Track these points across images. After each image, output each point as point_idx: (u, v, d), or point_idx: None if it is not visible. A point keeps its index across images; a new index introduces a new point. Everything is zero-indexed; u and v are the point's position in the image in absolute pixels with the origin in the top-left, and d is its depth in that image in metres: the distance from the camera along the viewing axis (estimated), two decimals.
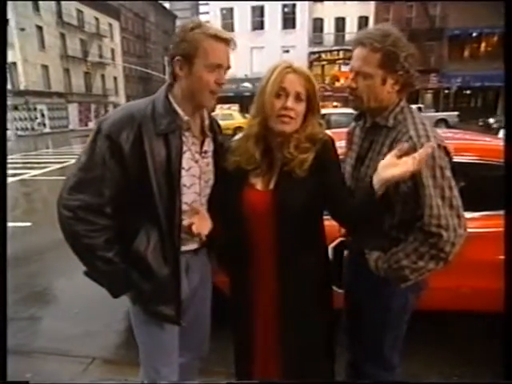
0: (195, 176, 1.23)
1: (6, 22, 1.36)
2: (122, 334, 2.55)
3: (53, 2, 30.33)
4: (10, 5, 27.51)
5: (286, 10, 27.05)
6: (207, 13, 32.22)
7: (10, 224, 5.20)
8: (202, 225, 1.20)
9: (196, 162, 1.23)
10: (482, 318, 2.25)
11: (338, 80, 28.11)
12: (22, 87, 27.51)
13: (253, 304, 1.35)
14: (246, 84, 27.45)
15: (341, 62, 27.41)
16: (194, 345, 1.46)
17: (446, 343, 2.33)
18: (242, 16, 27.27)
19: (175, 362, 1.35)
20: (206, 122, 1.28)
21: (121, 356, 2.32)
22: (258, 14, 27.44)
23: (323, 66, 28.17)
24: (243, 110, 26.13)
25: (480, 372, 2.08)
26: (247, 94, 27.42)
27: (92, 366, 2.11)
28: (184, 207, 1.20)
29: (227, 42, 1.14)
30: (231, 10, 27.47)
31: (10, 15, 26.68)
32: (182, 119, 1.17)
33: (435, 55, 26.80)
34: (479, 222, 2.04)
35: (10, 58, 26.16)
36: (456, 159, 2.07)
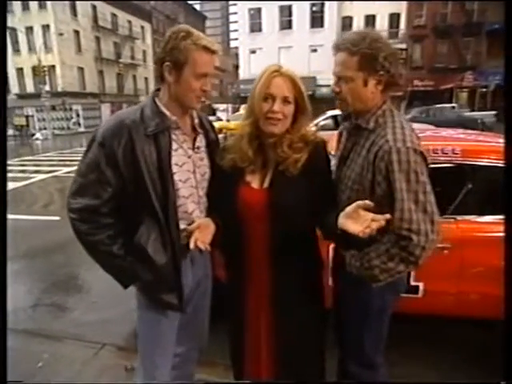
0: (189, 171, 1.31)
1: (5, 22, 1.46)
2: (133, 323, 2.67)
3: (89, 7, 31.74)
4: (49, 11, 29.11)
5: (314, 8, 26.75)
6: (236, 13, 32.45)
7: (43, 218, 5.58)
8: (204, 235, 1.24)
9: (189, 157, 1.31)
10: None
11: None
12: (59, 89, 29.05)
13: (247, 298, 1.40)
14: None
15: None
16: (193, 335, 1.54)
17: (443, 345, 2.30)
18: (270, 16, 27.27)
19: (170, 354, 1.43)
20: (196, 121, 1.36)
21: (131, 343, 2.45)
22: (286, 13, 27.33)
23: None
24: None
25: (475, 373, 2.04)
26: None
27: (102, 351, 2.27)
28: (182, 201, 1.28)
29: (214, 52, 1.22)
30: (259, 10, 27.54)
31: (51, 21, 28.22)
32: (170, 119, 1.25)
33: (471, 52, 25.58)
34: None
35: (49, 62, 27.72)
36: (469, 162, 2.07)
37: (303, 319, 1.40)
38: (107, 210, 1.23)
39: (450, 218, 2.04)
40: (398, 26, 26.75)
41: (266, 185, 1.29)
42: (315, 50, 27.19)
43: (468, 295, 2.04)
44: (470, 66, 25.21)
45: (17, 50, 31.17)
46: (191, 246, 1.19)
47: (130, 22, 37.94)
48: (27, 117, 27.05)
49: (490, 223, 2.01)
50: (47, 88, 25.71)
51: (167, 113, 1.26)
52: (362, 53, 1.19)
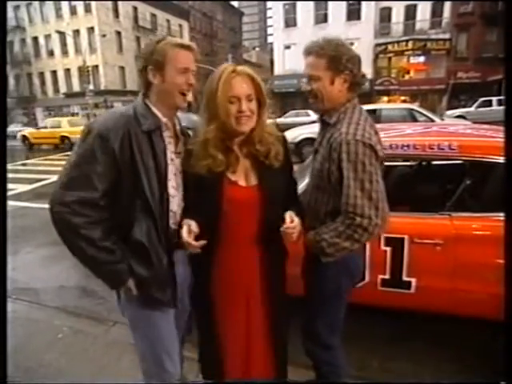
0: (172, 172, 1.35)
1: (5, 22, 1.50)
2: None
3: (130, 9, 33.15)
4: (94, 14, 30.77)
5: (350, 1, 25.99)
6: (270, 8, 32.31)
7: None
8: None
9: (172, 160, 1.35)
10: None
11: (407, 72, 26.37)
12: (102, 87, 30.74)
13: (232, 290, 1.44)
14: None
15: (410, 52, 25.56)
16: (179, 324, 1.53)
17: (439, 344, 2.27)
18: (305, 10, 26.88)
19: (177, 354, 1.44)
20: (178, 127, 1.42)
21: None
22: (322, 7, 26.77)
23: (390, 58, 26.54)
24: (305, 105, 25.94)
25: (471, 374, 2.02)
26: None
27: (114, 328, 2.50)
28: (170, 200, 1.33)
29: (190, 48, 1.29)
30: (294, 4, 27.22)
31: (95, 24, 29.84)
32: (161, 120, 1.31)
33: None
34: None
35: (93, 62, 29.40)
36: (466, 158, 2.03)
37: (284, 305, 1.50)
38: (102, 203, 1.21)
39: (444, 215, 2.02)
40: (441, 15, 25.28)
41: (254, 182, 1.34)
42: (351, 44, 26.17)
43: (462, 293, 2.01)
44: None
45: (65, 53, 33.40)
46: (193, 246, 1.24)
47: (168, 21, 39.13)
48: (73, 114, 28.98)
49: (486, 220, 1.97)
50: (91, 87, 27.27)
51: (159, 114, 1.31)
52: (329, 55, 1.33)
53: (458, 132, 2.34)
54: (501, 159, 1.93)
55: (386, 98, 26.58)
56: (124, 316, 1.43)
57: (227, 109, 1.24)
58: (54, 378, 2.08)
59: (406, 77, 26.24)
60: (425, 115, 8.85)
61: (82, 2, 31.15)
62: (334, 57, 1.33)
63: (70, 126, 16.40)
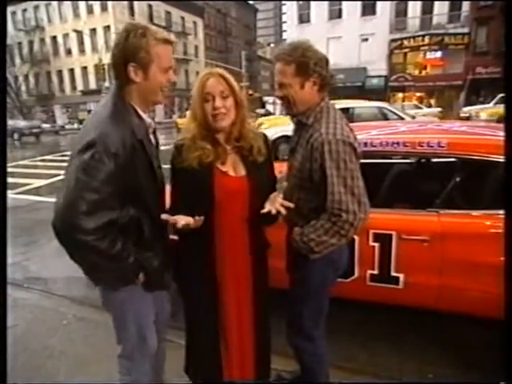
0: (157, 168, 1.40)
1: (5, 21, 1.52)
2: None
3: (146, 7, 33.56)
4: (110, 13, 31.32)
5: None
6: (284, 4, 32.13)
7: None
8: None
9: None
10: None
11: (424, 68, 25.81)
12: None
13: (223, 279, 1.50)
14: None
15: (426, 48, 25.00)
16: (158, 308, 1.59)
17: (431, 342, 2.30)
18: (319, 5, 26.59)
19: (154, 331, 1.52)
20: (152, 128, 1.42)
21: None
22: (336, 2, 26.41)
23: (405, 53, 26.02)
24: None
25: (460, 373, 2.04)
26: None
27: None
28: None
29: (172, 43, 1.29)
30: (308, 0, 26.96)
31: (111, 22, 30.32)
32: (146, 121, 1.33)
33: None
34: None
35: (109, 60, 29.89)
36: (455, 155, 2.05)
37: (267, 296, 1.59)
38: (120, 219, 1.22)
39: (432, 212, 2.04)
40: (459, 9, 24.59)
41: (242, 173, 1.43)
42: (366, 40, 26.07)
43: (449, 289, 2.03)
44: None
45: (82, 51, 34.16)
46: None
47: (183, 18, 39.50)
48: (89, 111, 29.55)
49: (474, 217, 1.98)
50: (107, 84, 27.81)
51: (144, 116, 1.32)
52: (297, 61, 1.37)
53: (452, 130, 2.35)
54: (490, 157, 1.94)
55: (400, 95, 26.12)
56: (104, 302, 1.45)
57: (203, 107, 1.35)
58: (58, 359, 2.22)
59: (423, 73, 25.69)
60: (395, 113, 8.92)
61: (98, 2, 31.76)
62: (301, 62, 1.36)
63: None
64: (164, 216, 1.31)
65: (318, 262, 1.44)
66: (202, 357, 1.59)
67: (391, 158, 3.02)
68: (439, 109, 20.10)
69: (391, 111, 8.97)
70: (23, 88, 35.90)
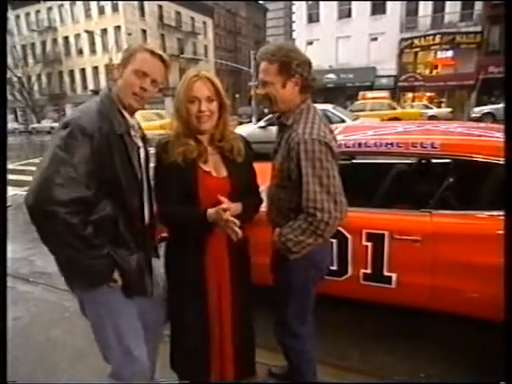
0: (144, 171, 1.45)
1: (5, 21, 1.53)
2: None
3: (156, 7, 33.88)
4: (121, 13, 31.68)
5: None
6: (294, 3, 32.02)
7: None
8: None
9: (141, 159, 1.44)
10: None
11: (435, 68, 25.49)
12: None
13: (206, 276, 1.53)
14: (331, 75, 26.72)
15: (437, 47, 24.67)
16: (151, 324, 1.57)
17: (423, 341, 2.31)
18: (328, 5, 26.46)
19: (143, 343, 1.45)
20: (139, 133, 1.47)
21: None
22: (346, 1, 26.23)
23: (416, 53, 25.73)
24: (328, 102, 25.49)
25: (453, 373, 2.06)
26: (331, 85, 26.81)
27: None
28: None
29: (160, 58, 1.34)
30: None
31: (122, 22, 30.68)
32: (129, 122, 1.37)
33: None
34: None
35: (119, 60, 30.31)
36: (448, 156, 2.06)
37: (248, 292, 1.64)
38: (94, 200, 1.25)
39: (425, 212, 2.06)
40: (472, 7, 24.20)
41: (224, 173, 1.48)
42: (375, 39, 25.87)
43: (442, 290, 2.04)
44: None
45: (93, 51, 34.61)
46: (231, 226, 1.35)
47: (192, 18, 39.69)
48: None
49: (466, 218, 1.99)
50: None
51: (127, 116, 1.37)
52: (280, 61, 1.40)
53: (447, 130, 2.35)
54: (485, 158, 1.94)
55: (410, 95, 25.84)
56: (84, 311, 1.43)
57: (188, 109, 1.39)
58: (59, 350, 2.30)
59: (433, 72, 25.37)
60: (337, 116, 9.03)
61: (109, 2, 32.15)
62: (284, 62, 1.39)
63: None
64: (223, 199, 1.37)
65: (299, 262, 1.46)
66: (187, 353, 1.60)
67: (389, 159, 3.03)
68: (450, 109, 19.86)
69: (334, 114, 9.11)
70: (36, 87, 36.53)
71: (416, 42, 25.14)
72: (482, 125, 2.67)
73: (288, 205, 1.47)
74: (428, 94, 25.53)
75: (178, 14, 37.57)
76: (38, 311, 2.78)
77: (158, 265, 1.62)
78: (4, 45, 1.55)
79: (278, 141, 1.54)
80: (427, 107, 20.06)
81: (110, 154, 1.26)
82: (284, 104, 1.47)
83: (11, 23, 37.93)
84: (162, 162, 1.45)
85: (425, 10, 24.97)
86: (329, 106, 9.80)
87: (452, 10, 24.42)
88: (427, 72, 25.52)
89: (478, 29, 23.78)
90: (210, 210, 1.39)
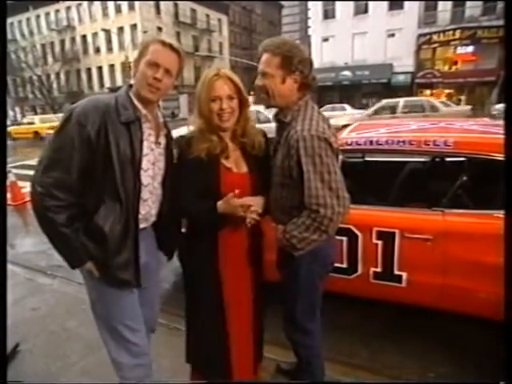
0: (150, 162, 1.43)
1: (5, 22, 1.54)
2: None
3: (171, 5, 34.14)
4: (137, 11, 32.03)
5: None
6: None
7: None
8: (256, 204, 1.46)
9: (152, 150, 1.43)
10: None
11: (454, 64, 24.81)
12: None
13: (225, 273, 1.56)
14: (346, 72, 26.33)
15: (457, 42, 23.98)
16: (144, 319, 1.57)
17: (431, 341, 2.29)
18: (344, 1, 26.04)
19: (143, 330, 1.52)
20: (161, 120, 1.50)
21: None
22: None
23: (434, 48, 25.09)
24: (343, 99, 25.30)
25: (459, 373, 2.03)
26: (346, 82, 26.48)
27: None
28: (141, 188, 1.39)
29: (171, 47, 1.34)
30: None
31: (138, 21, 31.03)
32: (141, 112, 1.37)
33: None
34: None
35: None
36: (461, 154, 2.03)
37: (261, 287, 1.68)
38: (75, 187, 1.30)
39: (437, 211, 2.03)
40: (495, 0, 23.40)
41: (244, 169, 1.51)
42: (392, 35, 25.35)
43: (453, 289, 2.01)
44: None
45: (110, 49, 35.16)
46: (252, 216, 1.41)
47: (207, 15, 39.82)
48: None
49: (478, 217, 1.96)
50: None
51: (139, 106, 1.37)
52: (283, 55, 1.40)
53: (462, 128, 2.31)
54: (498, 156, 1.90)
55: (428, 92, 25.24)
56: (89, 294, 1.51)
57: (210, 107, 1.43)
58: (73, 341, 2.39)
59: (453, 68, 24.70)
60: (266, 116, 8.86)
61: (126, 1, 32.57)
62: (287, 57, 1.39)
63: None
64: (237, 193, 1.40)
65: (305, 258, 1.46)
66: (205, 347, 1.63)
67: (402, 157, 2.99)
68: (469, 107, 19.23)
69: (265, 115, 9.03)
70: (55, 85, 37.36)
71: (435, 37, 24.49)
72: (499, 122, 2.60)
73: (290, 203, 1.46)
74: (447, 90, 24.90)
75: (194, 11, 37.76)
76: (56, 302, 2.87)
77: (162, 262, 1.65)
78: (4, 45, 1.58)
79: (277, 139, 1.53)
80: (446, 104, 19.54)
81: (105, 143, 1.29)
82: (281, 99, 1.46)
83: (32, 23, 38.95)
84: (185, 157, 1.48)
85: (444, 4, 24.29)
86: (259, 107, 9.68)
87: (473, 4, 23.69)
88: (446, 68, 24.86)
89: (501, 23, 23.00)
90: (219, 202, 1.42)
